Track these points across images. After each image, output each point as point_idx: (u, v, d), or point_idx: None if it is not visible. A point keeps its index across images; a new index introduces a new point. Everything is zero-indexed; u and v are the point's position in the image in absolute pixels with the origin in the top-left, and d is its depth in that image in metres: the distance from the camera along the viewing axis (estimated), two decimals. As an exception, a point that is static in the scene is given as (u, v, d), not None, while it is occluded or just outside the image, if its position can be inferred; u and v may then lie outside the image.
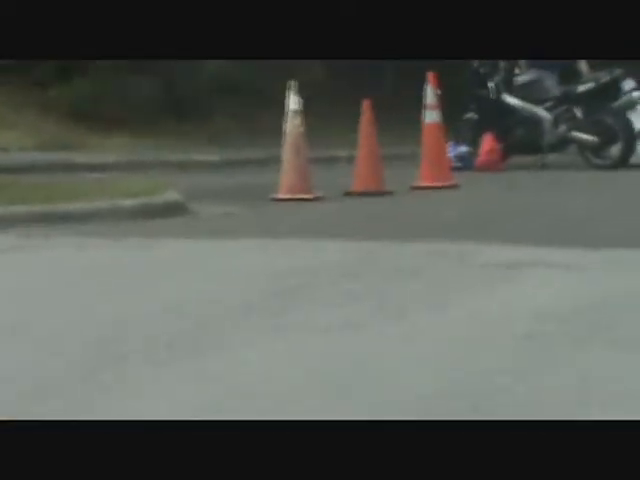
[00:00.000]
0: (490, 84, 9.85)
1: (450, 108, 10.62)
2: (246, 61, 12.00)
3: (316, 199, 7.12)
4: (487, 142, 9.44)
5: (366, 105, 7.44)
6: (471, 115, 10.03)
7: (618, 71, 9.31)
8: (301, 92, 7.33)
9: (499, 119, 9.81)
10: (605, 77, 9.38)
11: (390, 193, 7.36)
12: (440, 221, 5.99)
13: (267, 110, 11.16)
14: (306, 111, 7.40)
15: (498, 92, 9.83)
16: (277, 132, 11.32)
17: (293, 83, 7.29)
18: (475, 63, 9.87)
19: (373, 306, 3.47)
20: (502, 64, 9.86)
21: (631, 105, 9.32)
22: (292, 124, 7.28)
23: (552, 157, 9.78)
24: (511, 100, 9.81)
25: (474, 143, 9.64)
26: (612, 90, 9.35)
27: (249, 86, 12.54)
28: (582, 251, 4.45)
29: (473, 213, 6.35)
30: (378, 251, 4.79)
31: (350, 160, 8.18)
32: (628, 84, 9.30)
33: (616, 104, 9.35)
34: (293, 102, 7.27)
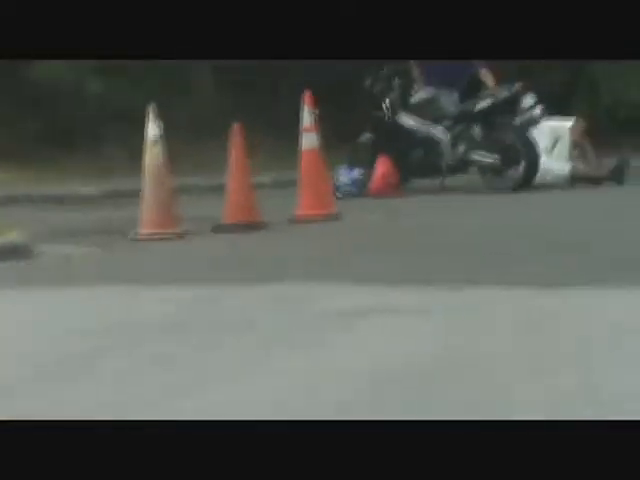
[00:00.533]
0: (384, 103, 9.22)
1: (346, 129, 10.12)
2: (135, 84, 11.53)
3: (181, 235, 6.43)
4: (381, 165, 8.82)
5: (236, 129, 6.73)
6: (366, 137, 9.40)
7: (517, 86, 8.77)
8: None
9: (395, 140, 9.18)
10: (504, 93, 8.82)
11: (264, 225, 6.67)
12: (302, 257, 5.30)
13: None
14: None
15: (393, 112, 9.21)
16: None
17: (152, 107, 6.54)
18: (368, 81, 9.26)
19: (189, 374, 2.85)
20: (397, 81, 9.27)
21: (533, 122, 8.76)
22: (152, 153, 6.54)
23: (458, 179, 9.24)
24: (407, 120, 9.19)
25: (370, 166, 9.00)
26: (512, 106, 8.77)
27: (140, 112, 11.86)
28: (447, 292, 3.78)
29: (342, 247, 5.68)
30: (215, 298, 4.09)
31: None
32: (528, 100, 8.74)
33: (517, 121, 8.78)
34: (152, 129, 6.53)
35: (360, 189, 8.83)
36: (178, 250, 6.12)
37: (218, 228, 6.63)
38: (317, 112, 7.11)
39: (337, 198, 8.81)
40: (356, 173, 8.97)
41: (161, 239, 6.33)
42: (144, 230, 6.49)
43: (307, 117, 7.14)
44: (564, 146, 9.01)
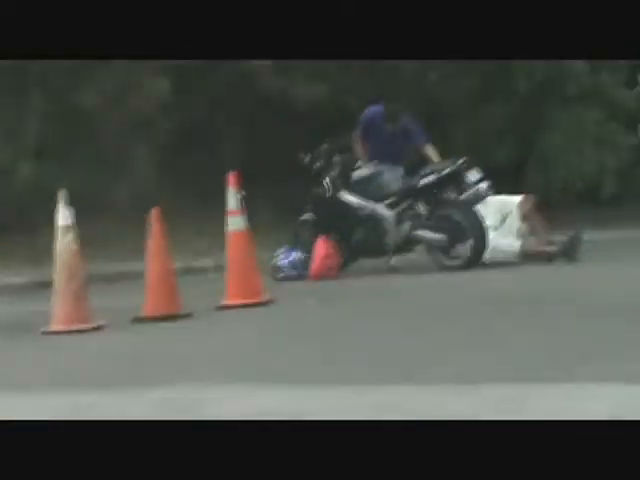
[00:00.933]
0: (325, 181, 8.85)
1: (287, 208, 9.80)
2: (70, 162, 11.31)
3: (96, 329, 5.93)
4: (321, 246, 8.39)
5: (155, 214, 6.28)
6: (308, 216, 9.00)
7: (461, 161, 8.43)
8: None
9: (337, 219, 8.79)
10: (447, 168, 8.48)
11: (188, 316, 6.21)
12: (211, 354, 4.83)
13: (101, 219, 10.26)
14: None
15: (334, 189, 8.83)
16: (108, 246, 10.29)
17: (62, 193, 6.09)
18: (306, 158, 8.92)
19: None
20: (337, 158, 8.93)
21: (479, 198, 8.42)
22: (63, 242, 6.06)
23: (410, 257, 8.88)
24: (349, 198, 8.81)
25: (311, 248, 8.58)
26: (457, 182, 8.43)
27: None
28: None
29: (266, 340, 5.19)
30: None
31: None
32: (473, 175, 8.41)
33: (463, 197, 8.42)
34: (63, 217, 6.07)
35: (300, 272, 8.41)
36: (90, 346, 5.62)
37: (139, 320, 6.17)
38: (243, 194, 6.71)
39: (277, 280, 8.44)
40: (295, 255, 8.56)
41: (74, 333, 5.86)
42: (55, 326, 6.00)
43: (232, 199, 6.75)
44: (513, 222, 8.68)
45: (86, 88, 11.14)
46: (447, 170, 8.46)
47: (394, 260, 8.74)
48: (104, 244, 9.59)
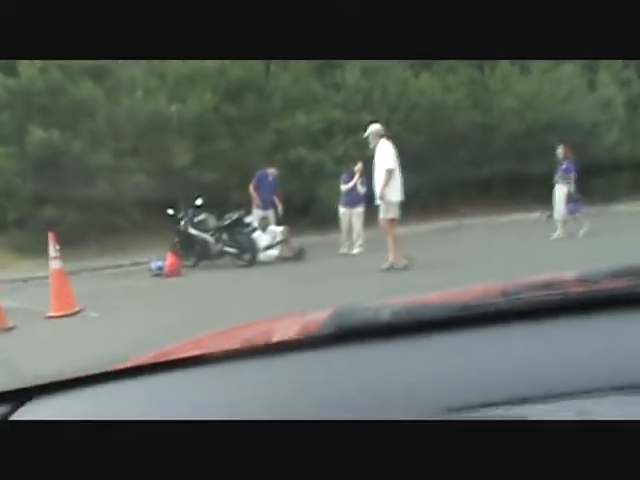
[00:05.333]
0: (182, 222, 16.31)
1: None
2: None
3: None
4: (170, 258, 15.59)
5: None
6: (175, 240, 16.37)
7: (240, 212, 16.06)
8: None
9: (188, 241, 16.17)
10: (235, 215, 16.02)
11: (12, 328, 8.76)
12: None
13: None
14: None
15: (185, 226, 16.29)
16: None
17: None
18: (170, 211, 16.29)
19: None
20: (189, 211, 16.23)
21: (253, 230, 15.99)
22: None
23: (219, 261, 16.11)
24: (193, 231, 16.26)
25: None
26: (241, 222, 15.99)
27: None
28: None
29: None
30: None
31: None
32: (248, 217, 16.06)
33: (245, 230, 15.94)
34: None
35: (161, 273, 15.44)
36: None
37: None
38: (58, 247, 10.29)
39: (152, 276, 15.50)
40: (159, 263, 15.67)
41: None
42: None
43: (52, 250, 10.19)
44: (277, 241, 16.22)
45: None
46: (235, 216, 15.99)
47: (218, 262, 16.07)
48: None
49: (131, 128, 18.56)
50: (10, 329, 8.96)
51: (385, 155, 12.66)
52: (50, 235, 10.51)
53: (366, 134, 13.20)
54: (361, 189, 16.40)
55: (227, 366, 1.07)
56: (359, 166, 16.26)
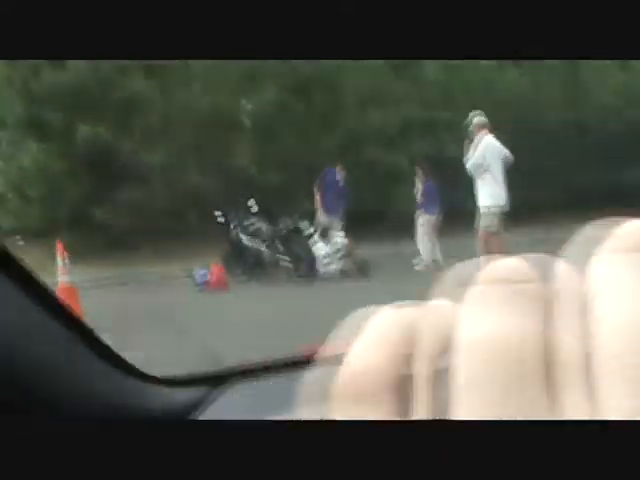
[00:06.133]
0: (232, 228, 14.69)
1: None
2: None
3: None
4: (215, 268, 14.00)
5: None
6: (226, 248, 14.76)
7: (299, 218, 14.33)
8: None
9: (237, 251, 14.56)
10: (293, 222, 14.34)
11: None
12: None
13: None
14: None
15: (236, 233, 14.66)
16: None
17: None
18: (218, 214, 14.73)
19: None
20: (242, 216, 14.68)
21: (312, 239, 14.26)
22: None
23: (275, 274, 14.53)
24: (244, 238, 14.61)
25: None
26: (299, 230, 14.27)
27: None
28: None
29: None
30: None
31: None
32: (305, 225, 14.27)
33: (303, 239, 14.23)
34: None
35: (206, 284, 13.98)
36: None
37: None
38: (66, 260, 9.73)
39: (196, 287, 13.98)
40: (203, 273, 14.10)
41: None
42: None
43: (60, 262, 9.71)
44: (341, 252, 14.43)
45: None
46: (294, 222, 14.30)
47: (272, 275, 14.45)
48: None
49: (187, 125, 17.38)
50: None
51: (487, 151, 11.18)
52: (58, 245, 9.94)
53: (468, 123, 11.52)
54: (433, 193, 15.05)
55: None
56: (422, 166, 15.22)
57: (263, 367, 1.42)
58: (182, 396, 1.33)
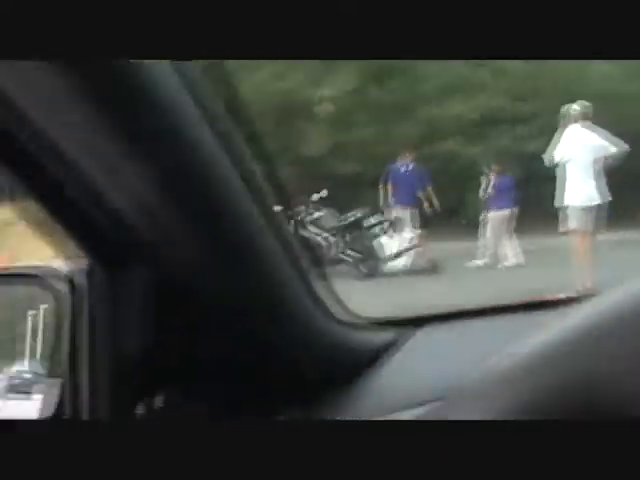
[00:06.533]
0: (294, 219, 14.00)
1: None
2: None
3: None
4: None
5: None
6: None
7: (366, 210, 13.46)
8: None
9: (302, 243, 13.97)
10: (359, 214, 13.56)
11: None
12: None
13: None
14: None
15: (297, 225, 13.96)
16: None
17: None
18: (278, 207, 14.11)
19: None
20: (305, 207, 13.95)
21: (379, 233, 13.44)
22: None
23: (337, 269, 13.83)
24: (305, 231, 13.93)
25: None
26: (365, 222, 13.47)
27: None
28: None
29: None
30: None
31: None
32: (373, 219, 13.45)
33: (369, 233, 13.43)
34: None
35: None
36: None
37: None
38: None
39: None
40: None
41: None
42: None
43: None
44: (405, 249, 13.59)
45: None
46: (360, 214, 13.49)
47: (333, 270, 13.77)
48: None
49: (256, 111, 16.87)
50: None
51: (578, 144, 10.13)
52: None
53: (568, 110, 10.41)
54: (507, 187, 14.20)
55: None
56: (499, 160, 14.62)
57: (457, 313, 1.48)
58: (379, 338, 1.39)
